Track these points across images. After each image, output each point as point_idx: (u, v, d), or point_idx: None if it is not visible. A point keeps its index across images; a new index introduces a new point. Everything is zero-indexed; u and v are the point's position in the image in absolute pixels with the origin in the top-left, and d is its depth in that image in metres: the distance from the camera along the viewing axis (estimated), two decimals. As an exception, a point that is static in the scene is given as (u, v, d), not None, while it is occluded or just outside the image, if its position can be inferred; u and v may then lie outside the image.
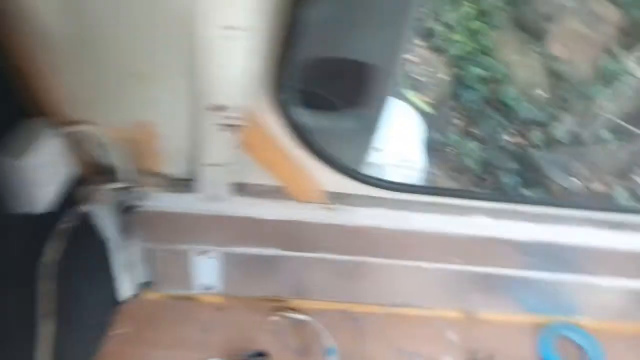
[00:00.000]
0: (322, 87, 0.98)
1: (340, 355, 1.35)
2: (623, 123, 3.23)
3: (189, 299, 1.46)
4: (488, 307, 1.50)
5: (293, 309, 1.46)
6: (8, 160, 0.80)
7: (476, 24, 3.72)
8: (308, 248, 1.34)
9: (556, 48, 3.71)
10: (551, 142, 3.32)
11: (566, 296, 1.48)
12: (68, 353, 1.07)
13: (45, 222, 0.93)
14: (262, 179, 1.12)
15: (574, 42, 3.63)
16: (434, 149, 3.36)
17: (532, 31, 3.87)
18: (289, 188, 1.12)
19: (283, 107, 0.93)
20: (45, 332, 0.94)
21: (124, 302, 1.38)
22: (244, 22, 0.74)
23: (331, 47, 0.97)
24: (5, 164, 0.80)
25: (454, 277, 1.42)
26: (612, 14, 3.69)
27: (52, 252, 0.93)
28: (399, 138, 2.65)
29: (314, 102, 0.99)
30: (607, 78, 3.59)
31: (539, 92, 3.55)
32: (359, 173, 1.16)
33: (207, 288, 1.44)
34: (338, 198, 1.19)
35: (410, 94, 3.20)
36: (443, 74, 3.37)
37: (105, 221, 1.12)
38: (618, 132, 3.27)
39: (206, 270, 1.39)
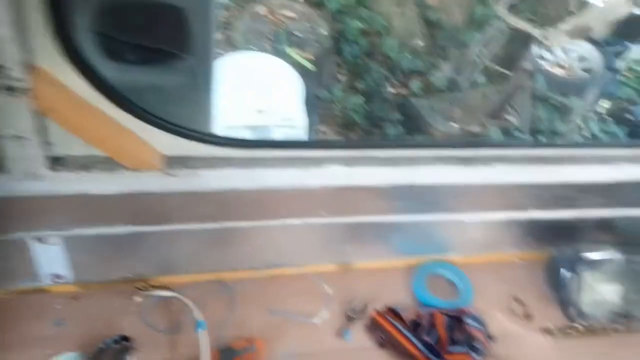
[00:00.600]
0: (128, 35, 0.85)
1: (212, 327, 1.28)
2: (495, 66, 3.39)
3: (39, 291, 1.31)
4: (362, 256, 1.50)
5: (159, 287, 1.36)
6: None
7: (353, -24, 3.68)
8: (162, 220, 1.23)
9: (431, -3, 3.79)
10: (431, 90, 3.42)
11: (435, 235, 1.51)
12: None
13: None
14: (85, 149, 0.98)
15: (446, -10, 3.73)
16: (320, 106, 3.33)
17: (408, -19, 3.91)
18: (116, 156, 1.00)
19: (81, 61, 0.80)
20: None
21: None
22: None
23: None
24: None
25: (324, 231, 1.39)
26: (479, -39, 3.81)
27: None
28: (279, 97, 2.57)
29: (123, 54, 0.86)
30: (478, 24, 3.73)
31: (417, 41, 3.61)
32: (199, 133, 1.06)
33: (57, 277, 1.30)
34: (182, 162, 1.09)
35: (291, 51, 3.11)
36: (323, 29, 3.30)
37: None
38: (491, 75, 3.43)
39: (51, 258, 1.24)
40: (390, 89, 3.45)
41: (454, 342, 1.32)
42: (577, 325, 1.44)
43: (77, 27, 0.76)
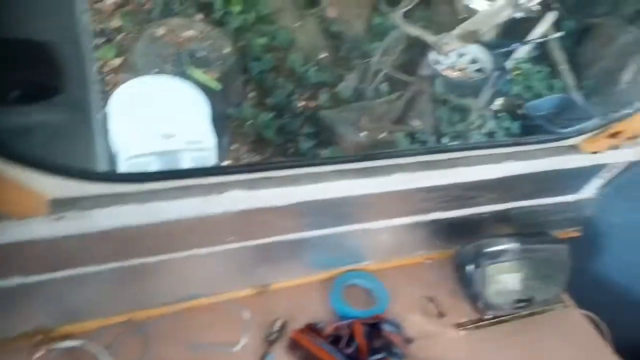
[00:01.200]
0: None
1: (125, 372, 1.21)
2: (396, 73, 3.53)
3: None
4: (278, 276, 1.49)
5: (63, 337, 1.26)
6: None
7: (253, -7, 3.69)
8: (58, 266, 1.15)
9: (330, 10, 3.89)
10: (338, 101, 3.49)
11: (347, 247, 1.54)
12: None
13: None
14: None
15: (343, 3, 3.83)
16: (230, 124, 3.30)
17: (307, -4, 3.98)
18: (-8, 206, 0.92)
19: None
20: None
21: None
22: None
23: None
24: None
25: (235, 256, 1.36)
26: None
27: None
28: (184, 119, 2.51)
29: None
30: (378, 33, 3.88)
31: (322, 54, 3.68)
32: (86, 171, 1.00)
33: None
34: (70, 204, 1.02)
35: (195, 72, 3.04)
36: (226, 47, 3.27)
37: None
38: (393, 82, 3.57)
39: None
40: (300, 103, 3.48)
41: (373, 350, 1.34)
42: (486, 316, 1.52)
43: None
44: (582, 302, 1.75)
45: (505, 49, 3.99)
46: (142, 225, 1.11)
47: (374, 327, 1.39)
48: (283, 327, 1.40)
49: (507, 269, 1.47)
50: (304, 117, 3.36)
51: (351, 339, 1.36)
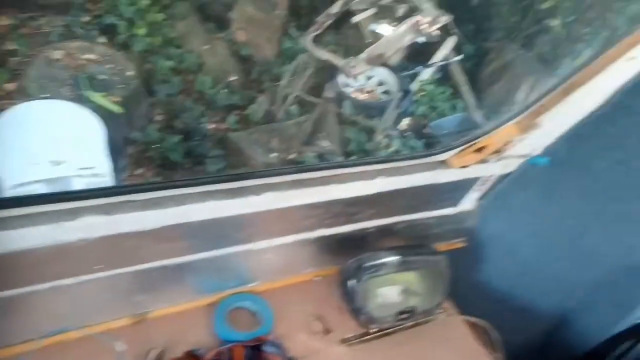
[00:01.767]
0: None
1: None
2: (306, 95, 3.59)
3: None
4: (157, 304, 1.44)
5: None
6: None
7: (158, 16, 3.64)
8: None
9: (239, 34, 3.91)
10: (250, 124, 3.49)
11: (231, 269, 1.52)
12: None
13: None
14: None
15: (253, 27, 3.87)
16: (137, 149, 3.20)
17: (216, 19, 3.98)
18: None
19: None
20: None
21: None
22: None
23: None
24: None
25: (106, 285, 1.30)
26: (282, -1, 4.05)
27: None
28: (76, 145, 2.40)
29: None
30: (288, 57, 3.95)
31: (232, 77, 3.68)
32: None
33: None
34: None
35: (94, 96, 2.94)
36: (130, 70, 3.19)
37: None
38: (303, 104, 3.63)
39: None
40: (210, 126, 3.45)
41: (254, 372, 1.32)
42: (371, 330, 1.55)
43: None
44: (470, 309, 1.83)
45: (411, 72, 4.20)
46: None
47: (255, 349, 1.37)
48: (160, 356, 1.34)
49: (387, 281, 1.51)
50: (214, 140, 3.32)
51: (232, 363, 1.33)
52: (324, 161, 3.26)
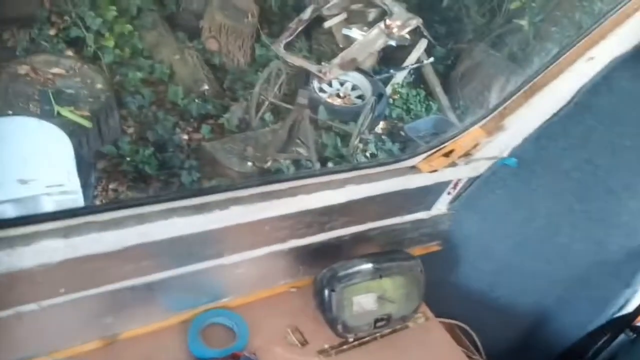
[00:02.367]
0: None
1: None
2: (280, 102, 3.57)
3: None
4: (129, 324, 1.40)
5: None
6: None
7: (127, 28, 3.59)
8: None
9: (210, 42, 3.88)
10: (224, 133, 3.46)
11: (203, 285, 1.49)
12: None
13: None
14: None
15: (224, 35, 3.84)
16: (109, 164, 3.14)
17: (186, 29, 3.95)
18: None
19: None
20: None
21: None
22: None
23: None
24: None
25: (73, 309, 1.26)
26: (252, 6, 4.04)
27: None
28: (43, 162, 2.34)
29: None
30: (261, 65, 3.93)
31: (205, 86, 3.65)
32: None
33: None
34: None
35: (62, 110, 2.88)
36: (99, 83, 3.13)
37: None
38: (277, 111, 3.62)
39: None
40: (183, 136, 3.41)
41: (229, 390, 1.30)
42: (348, 339, 1.53)
43: None
44: (449, 312, 1.83)
45: (384, 75, 4.22)
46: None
47: (230, 365, 1.35)
48: (131, 378, 1.31)
49: (362, 289, 1.50)
50: (188, 150, 3.28)
51: (206, 381, 1.31)
52: (300, 168, 3.24)
